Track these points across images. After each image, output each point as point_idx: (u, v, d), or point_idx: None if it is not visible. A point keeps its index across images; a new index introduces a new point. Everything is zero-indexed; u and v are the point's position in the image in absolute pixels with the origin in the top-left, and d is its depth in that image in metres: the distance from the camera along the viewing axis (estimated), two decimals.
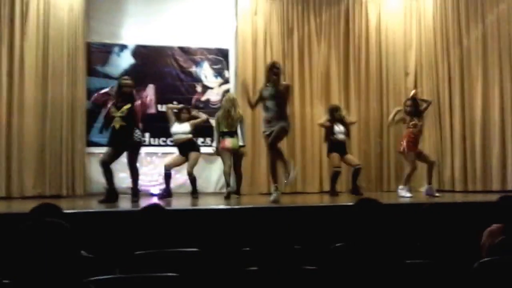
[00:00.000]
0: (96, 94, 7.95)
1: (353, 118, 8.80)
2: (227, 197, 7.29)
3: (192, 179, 7.65)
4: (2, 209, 6.25)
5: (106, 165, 6.68)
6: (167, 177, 7.64)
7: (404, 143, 7.69)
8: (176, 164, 7.82)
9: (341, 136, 8.17)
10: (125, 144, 6.66)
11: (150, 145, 8.96)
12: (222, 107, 7.80)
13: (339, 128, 8.19)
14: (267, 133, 6.50)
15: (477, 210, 5.25)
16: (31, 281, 1.60)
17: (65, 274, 1.64)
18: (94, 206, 6.44)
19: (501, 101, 8.67)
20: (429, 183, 7.74)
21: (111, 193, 6.67)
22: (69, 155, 8.38)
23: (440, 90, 9.25)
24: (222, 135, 7.63)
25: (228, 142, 7.58)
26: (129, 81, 6.91)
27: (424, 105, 7.86)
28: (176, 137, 7.75)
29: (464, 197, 8.04)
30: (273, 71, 6.50)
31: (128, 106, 6.68)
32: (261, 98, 6.58)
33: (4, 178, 7.93)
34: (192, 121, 7.80)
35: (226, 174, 7.60)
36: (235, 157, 7.76)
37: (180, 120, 7.80)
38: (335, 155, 8.19)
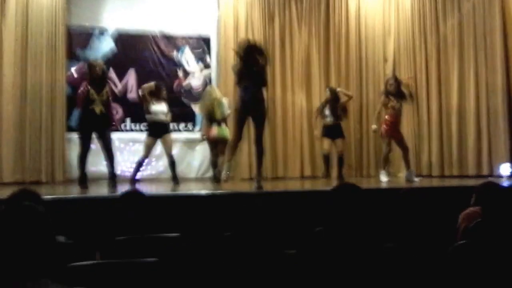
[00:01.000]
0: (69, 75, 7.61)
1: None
2: (216, 179, 7.23)
3: (173, 163, 7.55)
4: None
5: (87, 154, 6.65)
6: (140, 165, 7.50)
7: (383, 128, 7.75)
8: (151, 150, 7.55)
9: (328, 120, 8.10)
10: (104, 129, 6.59)
11: (131, 130, 8.91)
12: (208, 100, 7.71)
13: (328, 111, 8.11)
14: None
15: (453, 194, 5.34)
16: (5, 266, 1.60)
17: (40, 259, 1.63)
18: (74, 192, 6.41)
19: (476, 87, 8.81)
20: (408, 168, 7.84)
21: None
22: (49, 140, 8.29)
23: (418, 76, 9.38)
24: (212, 122, 7.59)
25: (215, 131, 7.55)
26: (99, 62, 6.81)
27: (405, 92, 7.85)
28: (155, 117, 7.42)
29: (441, 181, 8.17)
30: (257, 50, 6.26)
31: (106, 89, 6.61)
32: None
33: None
34: (167, 104, 7.57)
35: (213, 163, 7.60)
36: (220, 144, 7.69)
37: (158, 99, 7.51)
38: (324, 139, 8.18)
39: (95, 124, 6.55)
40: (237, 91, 6.52)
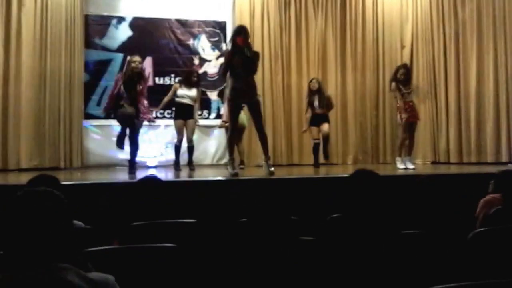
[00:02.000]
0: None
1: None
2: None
3: (191, 148, 7.67)
4: None
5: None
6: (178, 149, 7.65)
7: (400, 114, 7.70)
8: (182, 131, 7.68)
9: (317, 110, 8.15)
10: (132, 120, 6.67)
11: None
12: None
13: (316, 102, 8.16)
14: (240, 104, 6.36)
15: (472, 181, 5.29)
16: (23, 251, 1.61)
17: (59, 244, 1.64)
18: (92, 177, 6.46)
19: (495, 73, 8.71)
20: (409, 154, 7.82)
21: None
22: (67, 127, 8.35)
23: (436, 63, 9.28)
24: None
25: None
26: (136, 58, 6.78)
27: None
28: (183, 100, 7.65)
29: (459, 168, 8.10)
30: (246, 35, 6.11)
31: (137, 88, 6.62)
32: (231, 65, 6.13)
33: (0, 150, 7.92)
34: (199, 91, 7.81)
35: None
36: (239, 132, 7.66)
37: (189, 84, 7.74)
38: (313, 128, 8.21)
39: (127, 119, 6.63)
40: (228, 80, 6.33)
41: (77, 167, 8.30)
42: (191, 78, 7.79)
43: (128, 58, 6.95)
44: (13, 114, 7.99)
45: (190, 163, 7.68)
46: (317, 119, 8.15)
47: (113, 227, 3.25)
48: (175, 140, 7.81)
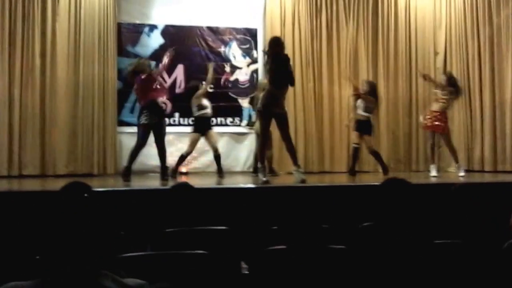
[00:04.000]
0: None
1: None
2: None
3: (218, 157, 7.75)
4: (37, 187, 6.45)
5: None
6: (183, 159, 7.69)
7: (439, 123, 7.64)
8: (196, 145, 7.75)
9: (360, 114, 7.96)
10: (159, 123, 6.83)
11: (179, 124, 9.03)
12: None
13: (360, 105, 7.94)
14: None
15: (507, 190, 5.19)
16: (60, 256, 1.64)
17: (94, 250, 1.67)
18: (125, 184, 6.55)
19: None
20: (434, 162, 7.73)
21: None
22: (101, 135, 8.51)
23: (470, 70, 9.12)
24: None
25: None
26: (143, 61, 7.14)
27: None
28: (206, 111, 7.77)
29: (494, 177, 7.95)
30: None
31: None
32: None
33: (38, 157, 8.13)
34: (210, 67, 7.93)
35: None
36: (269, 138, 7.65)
37: (206, 96, 7.89)
38: (354, 133, 8.08)
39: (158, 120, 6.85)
40: (268, 89, 6.39)
41: (110, 173, 8.44)
42: (206, 89, 7.93)
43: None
44: (49, 123, 8.21)
45: (219, 172, 7.74)
46: (358, 125, 7.98)
47: (146, 233, 3.30)
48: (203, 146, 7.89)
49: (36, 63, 8.18)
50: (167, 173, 6.89)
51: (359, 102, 7.94)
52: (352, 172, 8.08)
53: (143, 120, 6.69)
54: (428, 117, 7.67)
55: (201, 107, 7.73)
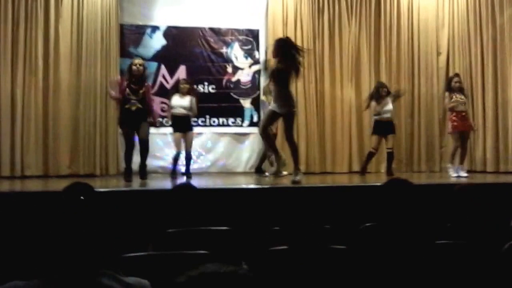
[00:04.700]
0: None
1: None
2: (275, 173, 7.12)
3: (190, 159, 7.66)
4: (39, 188, 6.47)
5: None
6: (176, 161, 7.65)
7: (450, 124, 7.82)
8: (180, 143, 7.64)
9: (386, 115, 8.01)
10: (139, 123, 6.79)
11: None
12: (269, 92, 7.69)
13: (386, 106, 8.03)
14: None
15: (509, 191, 5.18)
16: (63, 257, 1.64)
17: (96, 250, 1.68)
18: (127, 184, 6.56)
19: None
20: (462, 162, 7.81)
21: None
22: (103, 136, 8.53)
23: (473, 70, 9.11)
24: None
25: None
26: (138, 60, 7.04)
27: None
28: (175, 110, 7.59)
29: (496, 178, 7.94)
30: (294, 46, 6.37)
31: (142, 90, 6.82)
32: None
33: (41, 157, 8.16)
34: (192, 99, 7.62)
35: (269, 157, 7.65)
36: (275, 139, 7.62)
37: (180, 92, 7.67)
38: (374, 137, 8.12)
39: (132, 121, 6.80)
40: (290, 91, 6.46)
41: (112, 174, 8.45)
42: (178, 86, 7.79)
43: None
44: (52, 124, 8.23)
45: (187, 172, 7.58)
46: (380, 127, 8.04)
47: (148, 233, 3.31)
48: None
49: (39, 64, 8.20)
50: (145, 172, 6.93)
51: (388, 101, 8.05)
52: (363, 172, 8.20)
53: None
54: (455, 119, 7.74)
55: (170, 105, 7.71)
